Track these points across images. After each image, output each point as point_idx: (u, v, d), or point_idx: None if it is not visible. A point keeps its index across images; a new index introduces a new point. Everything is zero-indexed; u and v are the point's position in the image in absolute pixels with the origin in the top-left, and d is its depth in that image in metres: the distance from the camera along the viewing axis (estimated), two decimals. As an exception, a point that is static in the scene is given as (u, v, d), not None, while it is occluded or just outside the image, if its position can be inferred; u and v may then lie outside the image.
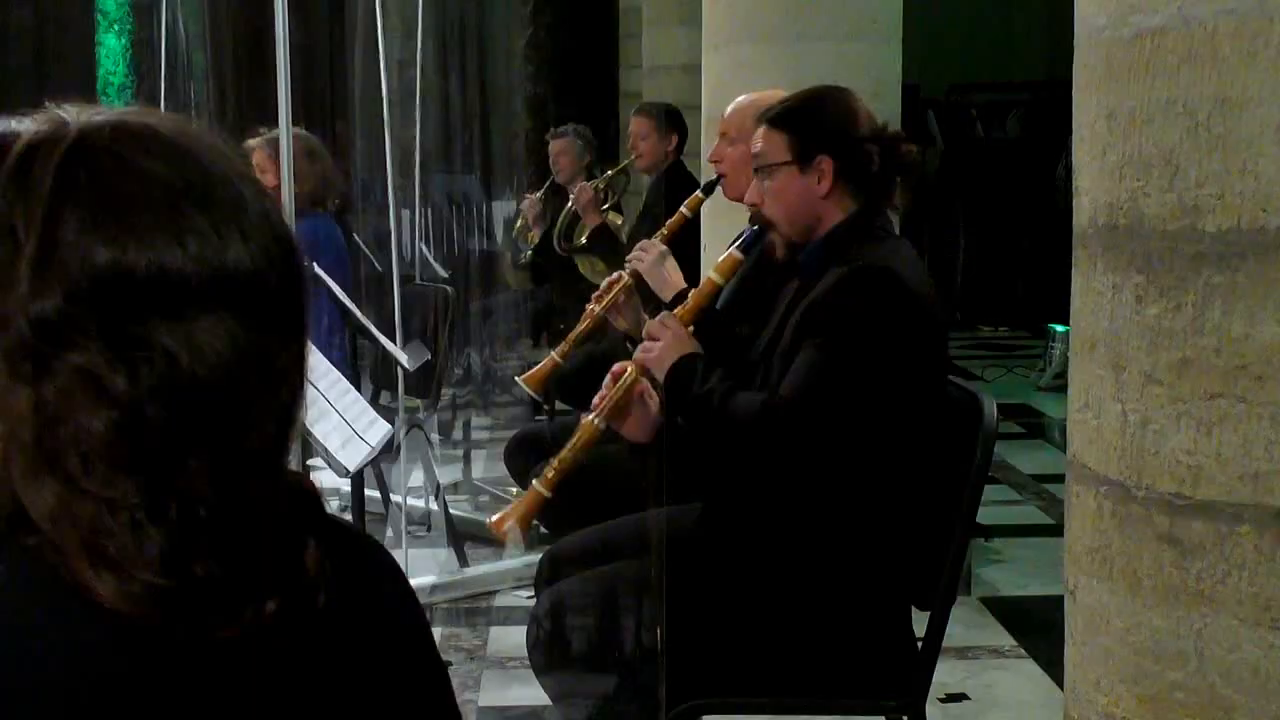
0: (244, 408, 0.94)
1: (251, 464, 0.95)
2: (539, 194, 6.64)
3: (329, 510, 1.05)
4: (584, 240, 5.90)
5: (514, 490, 4.98)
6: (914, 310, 2.44)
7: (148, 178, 0.93)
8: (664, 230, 3.56)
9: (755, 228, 2.78)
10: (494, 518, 2.75)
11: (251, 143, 4.65)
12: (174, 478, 0.92)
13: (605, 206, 5.90)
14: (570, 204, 5.99)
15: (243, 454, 0.94)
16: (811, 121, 2.61)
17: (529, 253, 6.73)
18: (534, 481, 2.72)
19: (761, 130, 2.65)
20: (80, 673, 0.92)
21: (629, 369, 2.70)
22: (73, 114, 0.96)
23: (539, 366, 3.38)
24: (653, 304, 3.27)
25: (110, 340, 0.90)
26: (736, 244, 2.83)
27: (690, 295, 2.85)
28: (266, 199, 0.99)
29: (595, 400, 2.74)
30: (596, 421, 2.70)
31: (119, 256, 0.90)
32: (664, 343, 2.63)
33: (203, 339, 0.92)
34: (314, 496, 1.02)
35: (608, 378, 2.75)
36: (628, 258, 3.32)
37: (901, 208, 2.71)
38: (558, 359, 3.34)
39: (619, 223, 5.93)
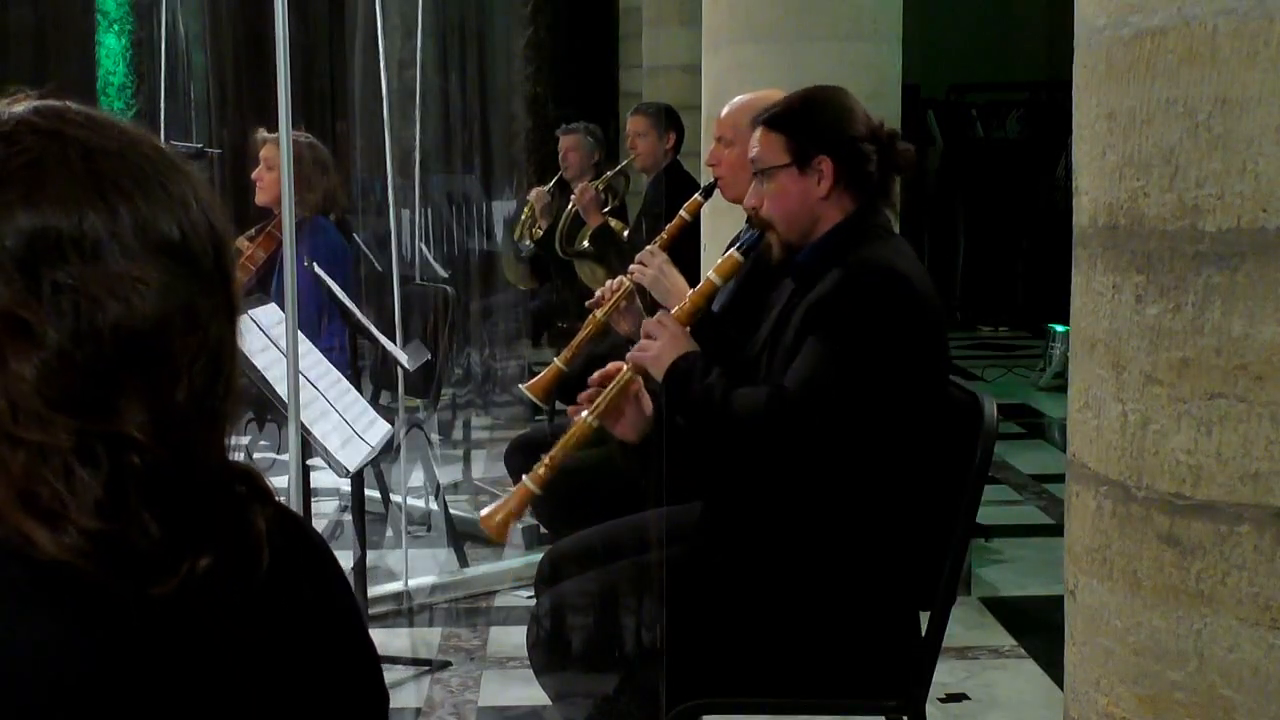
0: (171, 356, 0.96)
1: (185, 416, 0.97)
2: (548, 187, 6.66)
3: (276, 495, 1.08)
4: (585, 243, 5.91)
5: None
6: (916, 307, 2.45)
7: (66, 140, 0.96)
8: (663, 235, 3.56)
9: (755, 231, 2.77)
10: (484, 512, 2.76)
11: (265, 135, 4.65)
12: (105, 423, 0.93)
13: (606, 210, 5.91)
14: (571, 204, 6.00)
15: (174, 404, 0.96)
16: (809, 122, 2.60)
17: (531, 246, 6.75)
18: (524, 478, 2.73)
19: (758, 133, 2.65)
20: (19, 633, 0.92)
21: (623, 368, 2.70)
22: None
23: (543, 374, 3.38)
24: (656, 309, 3.27)
25: (35, 288, 0.92)
26: (736, 246, 2.82)
27: (688, 296, 2.84)
28: (190, 172, 1.02)
29: (582, 397, 2.74)
30: (590, 420, 2.70)
31: (39, 213, 0.93)
32: (661, 342, 2.63)
33: (129, 285, 0.94)
34: (260, 480, 1.05)
35: (596, 375, 2.75)
36: (629, 269, 3.32)
37: (898, 206, 2.71)
38: (561, 366, 3.34)
39: (619, 227, 5.93)
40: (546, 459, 2.70)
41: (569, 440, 2.70)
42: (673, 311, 2.76)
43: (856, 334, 2.41)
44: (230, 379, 1.01)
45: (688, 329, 2.69)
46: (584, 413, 2.71)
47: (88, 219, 0.94)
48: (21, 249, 0.92)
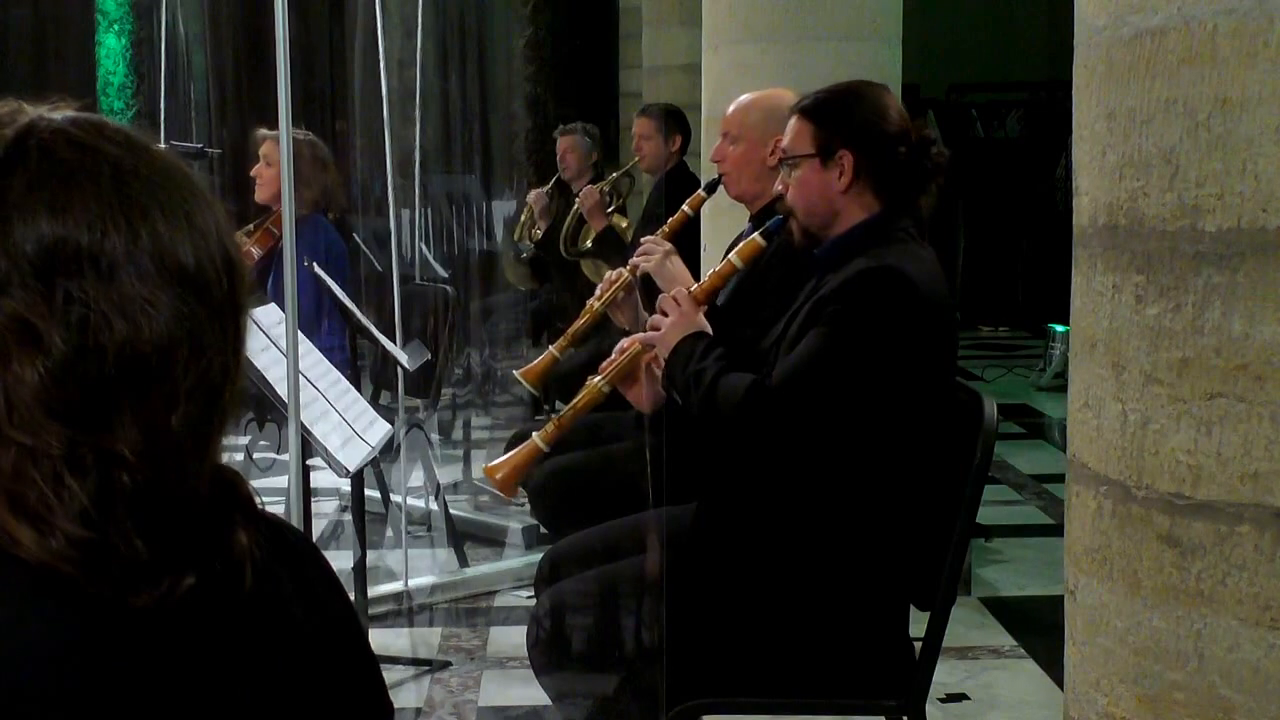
0: (172, 381, 0.97)
1: (177, 441, 0.97)
2: (546, 188, 6.66)
3: (260, 505, 1.08)
4: (589, 244, 5.91)
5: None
6: (920, 313, 2.42)
7: (99, 156, 0.97)
8: (665, 228, 3.56)
9: (778, 216, 2.75)
10: (489, 464, 2.80)
11: (265, 133, 4.65)
12: (98, 437, 0.94)
13: (610, 209, 5.92)
14: (575, 207, 6.00)
15: (168, 428, 0.97)
16: (837, 115, 2.57)
17: (530, 246, 6.75)
18: (534, 435, 2.76)
19: (793, 119, 2.63)
20: (5, 627, 0.93)
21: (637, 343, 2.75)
22: (33, 108, 1.00)
23: (537, 361, 3.38)
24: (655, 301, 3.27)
25: (48, 296, 0.93)
26: (760, 230, 2.79)
27: (708, 275, 2.82)
28: (214, 203, 1.03)
29: (603, 365, 2.80)
30: (602, 384, 2.75)
31: (62, 224, 0.94)
32: (671, 319, 2.64)
33: (139, 308, 0.95)
34: (244, 489, 1.05)
35: (617, 348, 2.79)
36: (634, 256, 3.32)
37: (926, 211, 2.69)
38: (556, 354, 3.35)
39: (624, 225, 5.94)
40: (555, 418, 2.76)
41: (579, 403, 2.77)
42: (690, 289, 2.75)
43: (850, 333, 2.40)
44: (226, 410, 1.01)
45: (703, 308, 2.70)
46: (596, 377, 2.75)
47: (109, 237, 0.94)
48: (40, 256, 0.93)
